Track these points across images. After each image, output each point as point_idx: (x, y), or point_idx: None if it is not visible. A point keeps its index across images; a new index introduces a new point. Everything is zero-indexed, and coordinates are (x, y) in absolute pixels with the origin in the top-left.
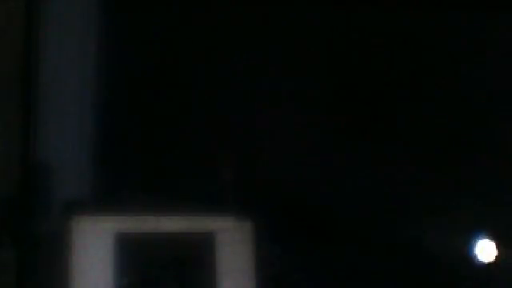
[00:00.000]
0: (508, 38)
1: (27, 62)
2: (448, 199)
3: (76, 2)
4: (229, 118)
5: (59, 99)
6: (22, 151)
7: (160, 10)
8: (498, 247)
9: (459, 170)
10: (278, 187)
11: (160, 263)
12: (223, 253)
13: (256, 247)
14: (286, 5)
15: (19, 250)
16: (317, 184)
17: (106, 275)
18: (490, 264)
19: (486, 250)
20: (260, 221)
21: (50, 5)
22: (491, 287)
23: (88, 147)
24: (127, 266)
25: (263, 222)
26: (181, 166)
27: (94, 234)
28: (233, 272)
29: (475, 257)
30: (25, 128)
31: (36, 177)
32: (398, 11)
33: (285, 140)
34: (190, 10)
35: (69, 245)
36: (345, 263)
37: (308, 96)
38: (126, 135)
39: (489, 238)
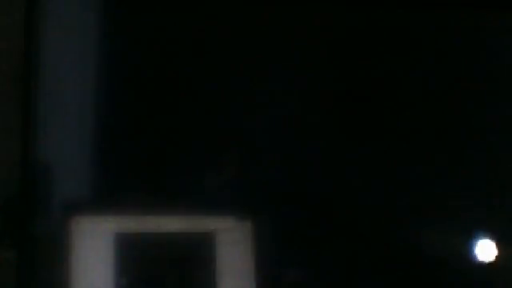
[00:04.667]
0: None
1: (27, 62)
2: (448, 199)
3: (76, 2)
4: (229, 117)
5: (59, 99)
6: (22, 151)
7: (161, 9)
8: (497, 247)
9: (459, 170)
10: (278, 187)
11: (160, 263)
12: (223, 253)
13: (256, 247)
14: (286, 4)
15: (19, 250)
16: (317, 184)
17: (106, 275)
18: (489, 264)
19: (485, 250)
20: (260, 221)
21: (50, 4)
22: (491, 287)
23: (88, 147)
24: (127, 266)
25: (263, 222)
26: (181, 166)
27: (94, 234)
28: (233, 272)
29: (475, 257)
30: (25, 128)
31: (36, 177)
32: (398, 11)
33: (285, 140)
34: (191, 9)
35: (69, 245)
36: (345, 263)
37: (308, 95)
38: (126, 135)
39: (489, 238)
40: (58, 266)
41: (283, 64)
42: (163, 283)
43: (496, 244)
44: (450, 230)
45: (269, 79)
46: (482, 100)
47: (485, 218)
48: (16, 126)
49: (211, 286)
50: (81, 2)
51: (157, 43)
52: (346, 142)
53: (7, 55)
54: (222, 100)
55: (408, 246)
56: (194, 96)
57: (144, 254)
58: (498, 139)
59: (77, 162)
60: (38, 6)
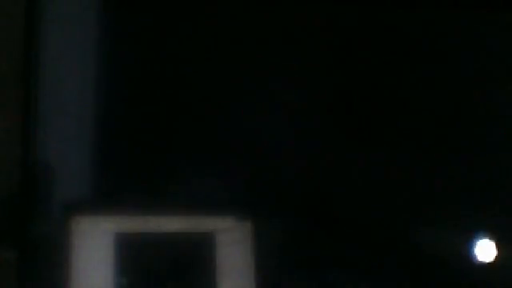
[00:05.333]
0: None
1: (27, 62)
2: (448, 199)
3: (76, 2)
4: (229, 117)
5: (59, 99)
6: (22, 152)
7: (161, 9)
8: (497, 247)
9: (459, 170)
10: (278, 187)
11: (160, 263)
12: (223, 253)
13: (256, 247)
14: (286, 5)
15: (19, 250)
16: (317, 184)
17: (106, 275)
18: (489, 264)
19: (485, 250)
20: (260, 221)
21: (50, 4)
22: (491, 287)
23: (88, 147)
24: (127, 266)
25: (263, 222)
26: (180, 166)
27: (94, 234)
28: (233, 272)
29: (475, 257)
30: (25, 128)
31: (36, 177)
32: (398, 11)
33: (285, 140)
34: (192, 9)
35: (69, 245)
36: (345, 263)
37: (309, 96)
38: (126, 135)
39: (489, 238)
40: (58, 266)
41: (285, 64)
42: (163, 283)
43: (496, 244)
44: (450, 230)
45: (270, 79)
46: (482, 100)
47: (485, 218)
48: (16, 126)
49: (211, 286)
50: (81, 2)
51: (157, 43)
52: (347, 142)
53: (7, 55)
54: (222, 100)
55: (408, 245)
56: (194, 96)
57: (144, 253)
58: (498, 139)
59: (77, 161)
60: (38, 6)
